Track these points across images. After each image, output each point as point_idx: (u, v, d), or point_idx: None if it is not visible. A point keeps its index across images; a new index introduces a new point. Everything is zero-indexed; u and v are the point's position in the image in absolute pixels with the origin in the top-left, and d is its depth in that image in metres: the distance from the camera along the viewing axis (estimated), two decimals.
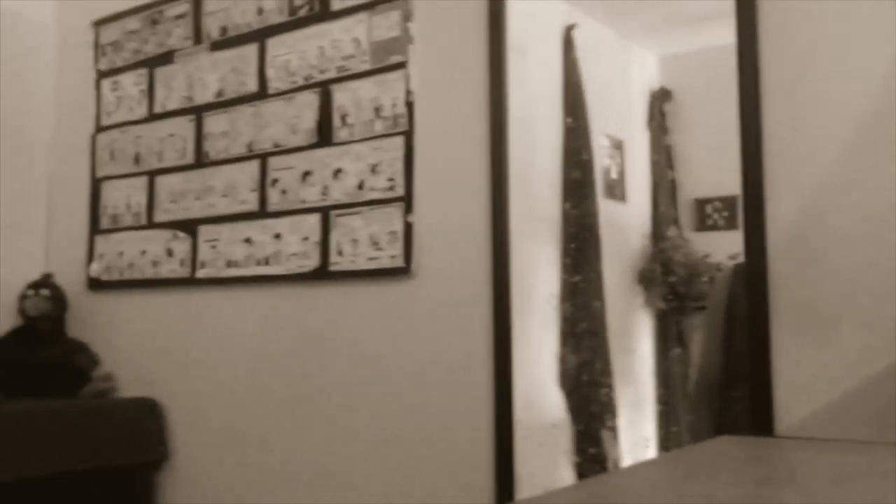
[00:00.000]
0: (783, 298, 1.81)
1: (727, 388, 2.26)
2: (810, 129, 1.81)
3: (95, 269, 3.08)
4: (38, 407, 2.60)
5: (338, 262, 2.47)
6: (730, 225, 2.70)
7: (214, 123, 2.80)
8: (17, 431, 2.45)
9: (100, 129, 3.14)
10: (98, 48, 3.18)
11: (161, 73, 2.97)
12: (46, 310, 2.96)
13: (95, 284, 3.07)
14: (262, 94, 2.69)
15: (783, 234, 1.82)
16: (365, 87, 2.47)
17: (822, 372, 1.75)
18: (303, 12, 2.62)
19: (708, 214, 2.78)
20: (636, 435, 2.67)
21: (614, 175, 2.78)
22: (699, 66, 2.78)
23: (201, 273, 2.78)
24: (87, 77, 3.19)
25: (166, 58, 2.96)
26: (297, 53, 2.62)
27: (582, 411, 2.54)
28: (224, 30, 2.81)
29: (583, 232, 2.61)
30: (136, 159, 3.01)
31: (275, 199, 2.63)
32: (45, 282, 3.02)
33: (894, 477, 1.05)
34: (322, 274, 2.50)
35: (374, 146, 2.43)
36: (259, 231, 2.65)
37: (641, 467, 1.31)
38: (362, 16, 2.49)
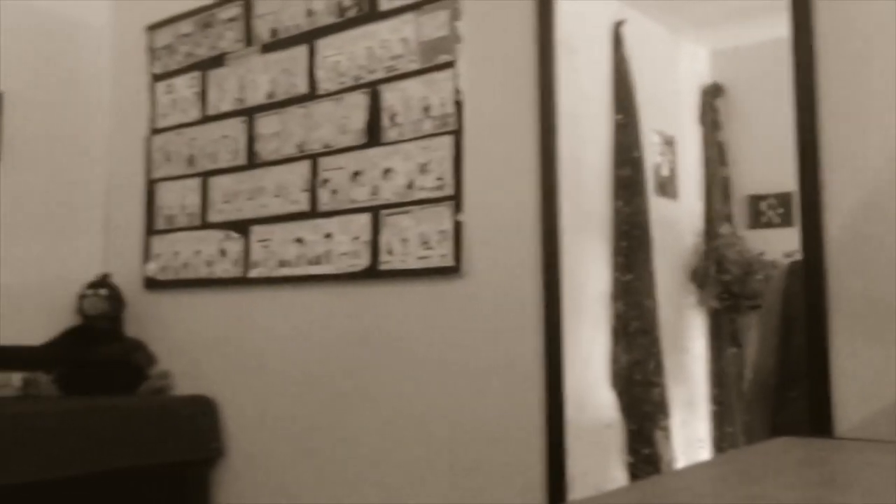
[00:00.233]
0: (842, 295, 1.77)
1: (783, 387, 2.22)
2: (868, 122, 1.77)
3: (151, 268, 3.14)
4: (96, 404, 2.65)
5: (388, 262, 2.48)
6: (785, 222, 2.65)
7: (266, 125, 2.83)
8: (76, 428, 2.50)
9: (154, 131, 3.20)
10: (152, 52, 3.24)
11: (213, 75, 3.01)
12: (104, 309, 3.03)
13: (151, 284, 3.13)
14: (311, 94, 2.72)
15: (841, 231, 1.78)
16: (413, 87, 2.47)
17: (883, 371, 1.71)
18: (351, 13, 2.64)
19: (762, 211, 2.73)
20: (690, 435, 2.64)
21: (665, 172, 2.75)
22: (752, 61, 2.73)
23: (254, 273, 2.82)
24: (142, 81, 3.25)
25: (218, 60, 3.00)
26: (346, 54, 2.64)
27: (634, 411, 2.52)
28: (274, 32, 2.84)
29: (634, 230, 2.58)
30: (190, 161, 3.06)
31: (325, 199, 2.65)
32: (103, 282, 3.09)
33: None
34: (372, 273, 2.51)
35: (423, 145, 2.44)
36: (310, 231, 2.68)
37: (697, 468, 1.29)
38: (410, 16, 2.50)
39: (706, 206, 2.79)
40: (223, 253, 2.92)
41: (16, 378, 2.88)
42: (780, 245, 2.48)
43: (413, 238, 2.43)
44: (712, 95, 2.82)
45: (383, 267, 2.49)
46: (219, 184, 2.96)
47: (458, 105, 2.38)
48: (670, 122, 2.80)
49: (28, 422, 2.42)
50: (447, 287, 2.36)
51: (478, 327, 2.30)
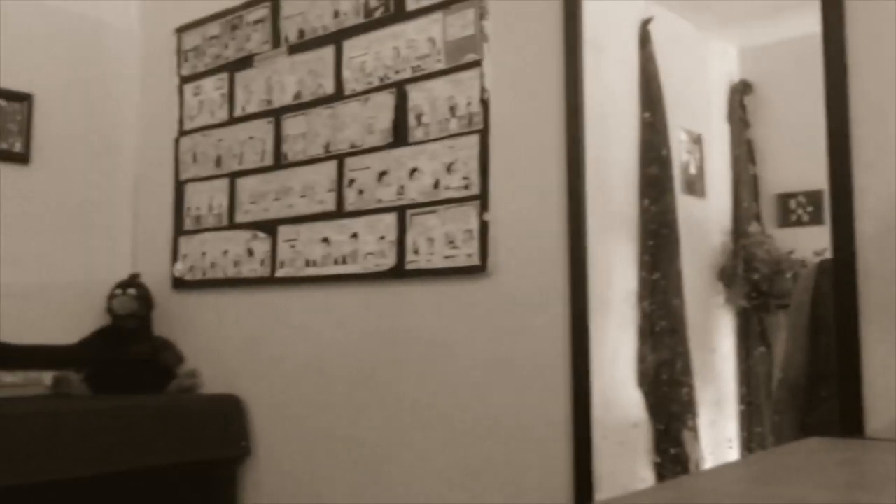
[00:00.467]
0: (873, 294, 1.75)
1: (813, 387, 2.20)
2: None
3: (179, 269, 3.17)
4: (125, 403, 2.68)
5: (414, 261, 2.48)
6: (814, 220, 2.63)
7: (292, 125, 2.85)
8: (105, 427, 2.53)
9: (183, 132, 3.23)
10: (180, 54, 3.26)
11: (241, 77, 3.03)
12: (133, 309, 3.06)
13: (180, 284, 3.16)
14: (338, 95, 2.73)
15: (872, 228, 1.76)
16: (440, 87, 2.47)
17: None
18: (378, 13, 2.65)
19: (791, 209, 2.70)
20: (718, 435, 2.62)
21: (693, 170, 2.73)
22: (781, 58, 2.71)
23: (281, 272, 2.83)
24: (171, 82, 3.28)
25: (246, 62, 3.02)
26: (372, 54, 2.64)
27: (662, 411, 2.51)
28: (301, 33, 2.86)
29: (661, 229, 2.57)
30: (218, 162, 3.08)
31: (352, 199, 2.66)
32: (133, 282, 3.12)
33: None
34: (398, 273, 2.51)
35: (449, 145, 2.44)
36: (336, 231, 2.69)
37: (727, 469, 1.28)
38: (437, 15, 2.50)
39: (734, 205, 2.77)
40: (250, 253, 2.94)
41: (47, 377, 2.91)
42: (810, 243, 2.46)
43: (439, 237, 2.43)
44: (741, 93, 2.80)
45: (409, 266, 2.49)
46: (246, 184, 2.98)
47: (485, 104, 2.38)
48: (698, 120, 2.78)
49: (58, 420, 2.44)
50: (473, 286, 2.36)
51: (504, 326, 2.29)
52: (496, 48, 2.37)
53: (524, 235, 2.28)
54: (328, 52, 2.76)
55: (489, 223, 2.34)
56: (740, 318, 2.71)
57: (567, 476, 2.14)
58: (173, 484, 2.70)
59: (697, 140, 2.76)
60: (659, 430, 2.50)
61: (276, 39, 2.93)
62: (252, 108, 2.98)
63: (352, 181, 2.66)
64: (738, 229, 2.75)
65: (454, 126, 2.43)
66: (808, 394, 2.22)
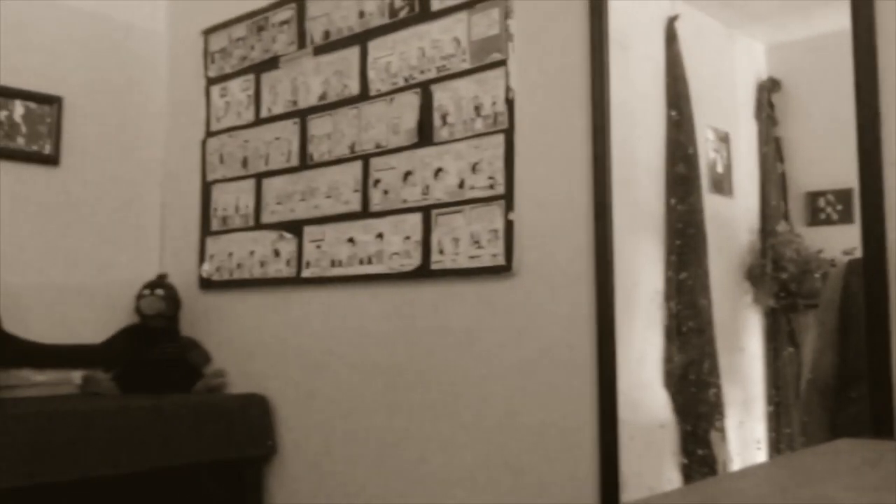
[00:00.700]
0: None
1: (842, 388, 2.17)
2: None
3: (206, 269, 3.19)
4: (153, 402, 2.70)
5: (439, 261, 2.48)
6: (843, 219, 2.59)
7: (318, 126, 2.86)
8: (133, 425, 2.55)
9: (210, 133, 3.25)
10: (207, 56, 3.29)
11: (267, 78, 3.05)
12: (161, 309, 3.08)
13: (206, 284, 3.18)
14: (363, 95, 2.74)
15: None
16: (465, 86, 2.47)
17: None
18: (403, 14, 2.65)
19: (820, 208, 2.67)
20: (746, 436, 2.60)
21: (720, 169, 2.71)
22: (810, 55, 2.67)
23: (307, 273, 2.84)
24: (198, 84, 3.31)
25: (272, 63, 3.04)
26: (397, 55, 2.65)
27: (689, 411, 2.49)
28: (327, 34, 2.87)
29: (688, 228, 2.55)
30: (244, 163, 3.10)
31: (377, 200, 2.67)
32: (160, 282, 3.15)
33: None
34: (424, 272, 2.52)
35: (474, 145, 2.44)
36: (362, 231, 2.69)
37: (756, 470, 1.27)
38: (462, 15, 2.50)
39: (762, 203, 2.74)
40: (276, 253, 2.95)
41: (76, 376, 2.95)
42: (839, 242, 2.43)
43: (464, 237, 2.43)
44: (768, 90, 2.77)
45: (435, 266, 2.49)
46: (272, 185, 2.99)
47: (510, 103, 2.37)
48: (725, 118, 2.75)
49: (87, 419, 2.47)
50: (499, 286, 2.36)
51: (530, 326, 2.29)
52: (521, 47, 2.37)
53: (550, 235, 2.27)
54: (353, 52, 2.77)
55: (514, 223, 2.33)
56: (768, 318, 2.68)
57: (594, 477, 2.13)
58: (200, 482, 2.72)
59: (725, 138, 2.73)
60: (686, 431, 2.48)
61: (301, 40, 2.95)
62: (278, 109, 3.00)
63: (377, 181, 2.67)
64: (766, 228, 2.72)
65: (479, 126, 2.43)
66: (837, 394, 2.19)
